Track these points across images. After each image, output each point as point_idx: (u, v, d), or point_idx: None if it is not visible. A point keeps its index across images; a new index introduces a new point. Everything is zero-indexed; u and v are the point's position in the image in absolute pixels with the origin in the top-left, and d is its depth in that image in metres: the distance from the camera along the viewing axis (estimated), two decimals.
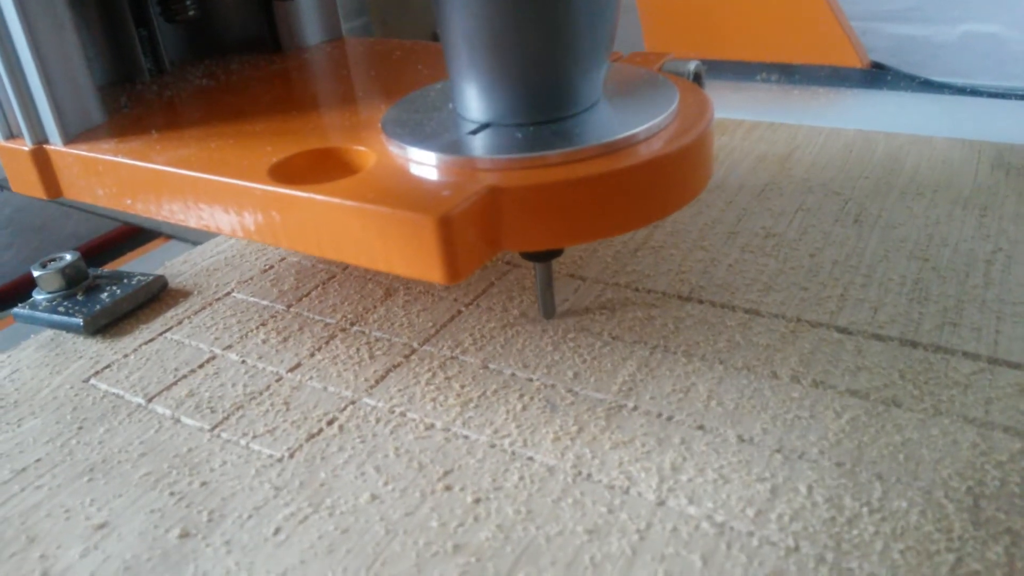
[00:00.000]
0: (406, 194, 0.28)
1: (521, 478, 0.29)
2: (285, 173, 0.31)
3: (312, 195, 0.29)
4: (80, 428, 0.34)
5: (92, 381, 0.37)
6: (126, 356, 0.38)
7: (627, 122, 0.30)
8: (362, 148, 0.32)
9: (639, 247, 0.43)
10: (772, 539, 0.26)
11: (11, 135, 0.38)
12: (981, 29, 0.95)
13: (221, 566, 0.27)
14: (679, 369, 0.33)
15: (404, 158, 0.30)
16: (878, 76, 0.68)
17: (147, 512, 0.29)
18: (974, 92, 0.64)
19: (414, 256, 0.27)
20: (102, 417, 0.34)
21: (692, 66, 0.37)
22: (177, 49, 0.50)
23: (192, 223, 0.33)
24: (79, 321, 0.40)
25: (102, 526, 0.29)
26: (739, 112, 0.61)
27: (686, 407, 0.31)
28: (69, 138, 0.37)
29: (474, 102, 0.31)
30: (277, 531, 0.28)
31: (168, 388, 0.36)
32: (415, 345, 0.37)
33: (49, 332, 0.41)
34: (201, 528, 0.28)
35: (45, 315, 0.41)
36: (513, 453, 0.30)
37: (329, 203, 0.28)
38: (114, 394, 0.36)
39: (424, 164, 0.30)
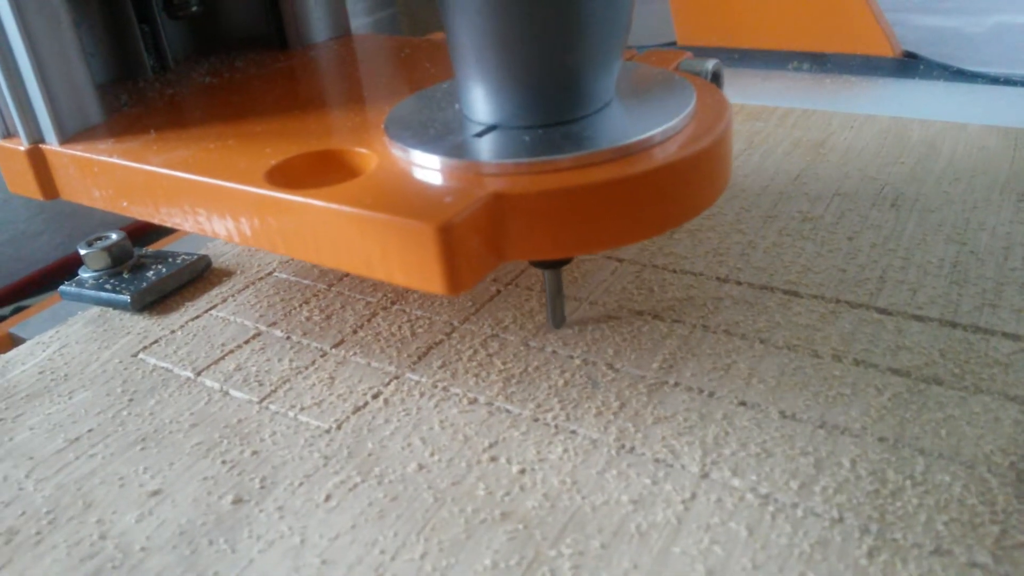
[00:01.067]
0: (406, 200, 0.26)
1: (565, 450, 0.29)
2: (283, 176, 0.30)
3: (308, 200, 0.27)
4: (131, 400, 0.35)
5: (140, 355, 0.38)
6: (173, 332, 0.39)
7: (641, 124, 0.28)
8: (364, 150, 0.31)
9: (675, 230, 0.43)
10: (816, 510, 0.26)
11: (7, 134, 0.37)
12: (1013, 20, 0.94)
13: (275, 530, 0.27)
14: (719, 347, 0.34)
15: (407, 161, 0.29)
16: (910, 65, 0.68)
17: (200, 479, 0.30)
18: (1008, 82, 0.64)
19: (414, 266, 0.26)
20: (152, 390, 0.35)
21: (710, 65, 0.35)
22: (181, 46, 0.49)
23: (189, 227, 0.33)
24: (126, 298, 0.41)
25: (156, 493, 0.30)
26: (771, 101, 0.61)
27: (727, 383, 0.32)
28: (65, 138, 0.36)
29: (480, 103, 0.30)
30: (328, 498, 0.28)
31: (216, 362, 0.37)
32: (455, 323, 0.37)
33: (96, 309, 0.42)
34: (254, 494, 0.29)
35: (92, 292, 0.42)
36: (556, 427, 0.31)
37: (325, 208, 0.27)
38: (163, 368, 0.37)
39: (427, 168, 0.28)
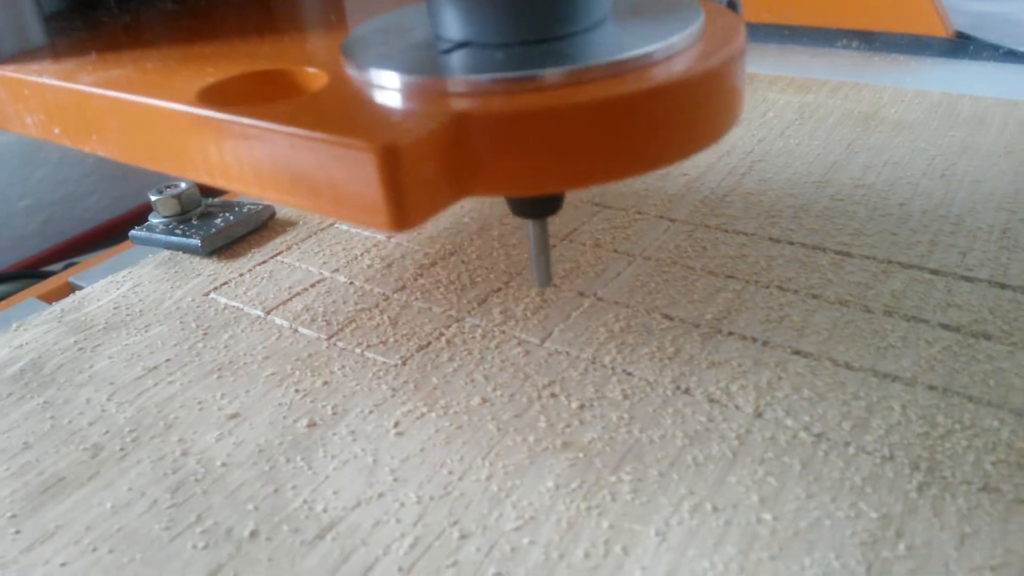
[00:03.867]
0: (349, 120, 0.23)
1: (623, 390, 0.31)
2: (220, 96, 0.27)
3: (239, 118, 0.24)
4: (205, 334, 0.36)
5: (212, 295, 0.39)
6: (242, 275, 0.41)
7: (638, 40, 0.24)
8: (313, 70, 0.27)
9: (727, 193, 0.44)
10: (868, 449, 0.27)
11: None
12: None
13: (348, 451, 0.29)
14: (772, 301, 0.35)
15: (361, 81, 0.25)
16: (960, 45, 0.68)
17: (275, 405, 0.32)
18: None
19: (356, 195, 0.22)
20: (225, 325, 0.37)
21: None
22: None
23: (120, 156, 0.29)
24: (197, 242, 0.42)
25: (234, 416, 0.31)
26: (821, 75, 0.62)
27: (780, 334, 0.33)
28: (0, 58, 0.33)
29: (450, 16, 0.26)
30: (397, 424, 0.30)
31: (284, 303, 0.38)
32: (513, 272, 0.39)
33: (166, 253, 0.44)
34: (327, 420, 0.31)
35: (162, 237, 0.44)
36: (613, 368, 0.32)
37: (259, 128, 0.23)
38: (234, 307, 0.38)
39: (384, 88, 0.24)
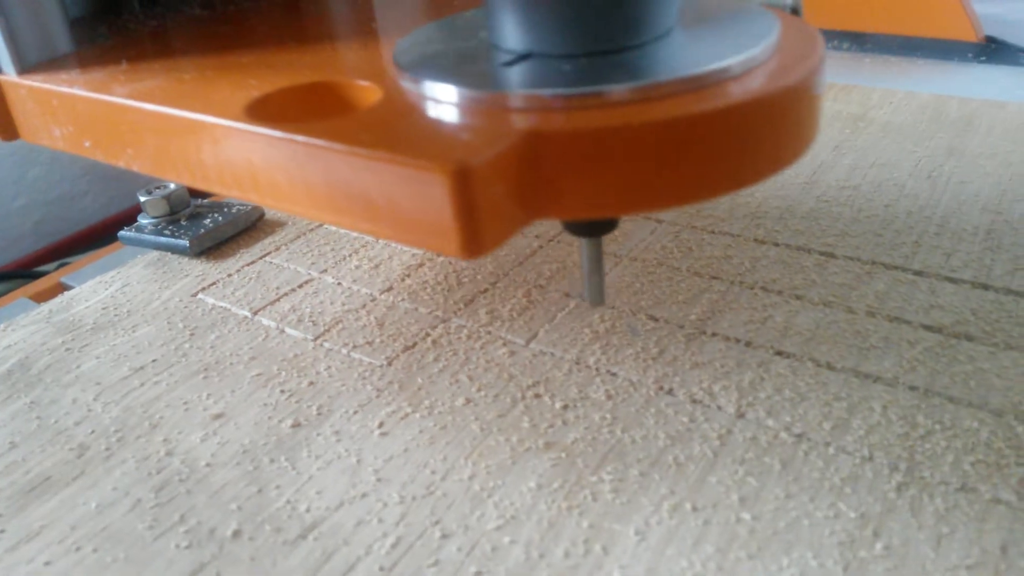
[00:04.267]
0: (413, 138, 0.21)
1: (606, 391, 0.31)
2: (268, 111, 0.25)
3: (293, 136, 0.22)
4: (192, 334, 0.37)
5: (199, 296, 0.40)
6: (230, 275, 0.41)
7: (714, 53, 0.23)
8: (365, 83, 0.25)
9: None
10: (848, 449, 0.27)
11: None
12: None
13: (332, 451, 0.29)
14: (756, 302, 0.35)
15: (417, 95, 0.24)
16: (990, 50, 0.67)
17: (260, 405, 0.32)
18: None
19: (423, 220, 0.21)
20: (212, 326, 0.37)
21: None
22: None
23: (158, 172, 0.28)
24: (185, 242, 0.42)
25: (219, 416, 0.31)
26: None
27: (764, 335, 0.33)
28: (25, 67, 0.31)
29: (511, 25, 0.24)
30: (381, 424, 0.30)
31: (272, 303, 0.38)
32: (500, 274, 0.39)
33: (154, 253, 0.44)
34: (311, 420, 0.31)
35: (151, 237, 0.44)
36: (597, 369, 0.32)
37: (314, 146, 0.22)
38: (221, 307, 0.38)
39: (443, 102, 0.23)
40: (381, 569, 0.25)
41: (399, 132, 0.22)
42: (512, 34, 0.24)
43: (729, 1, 0.28)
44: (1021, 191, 0.42)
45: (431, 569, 0.24)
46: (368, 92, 0.25)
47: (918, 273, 0.36)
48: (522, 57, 0.24)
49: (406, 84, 0.24)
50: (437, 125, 0.22)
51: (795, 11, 0.31)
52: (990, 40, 0.69)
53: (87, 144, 0.30)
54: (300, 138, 0.22)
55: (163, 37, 0.35)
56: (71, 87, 0.29)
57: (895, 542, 0.24)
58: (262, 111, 0.25)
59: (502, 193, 0.21)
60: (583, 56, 0.23)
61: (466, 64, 0.24)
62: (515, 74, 0.23)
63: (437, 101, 0.23)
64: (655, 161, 0.21)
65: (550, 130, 0.21)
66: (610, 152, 0.21)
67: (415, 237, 0.21)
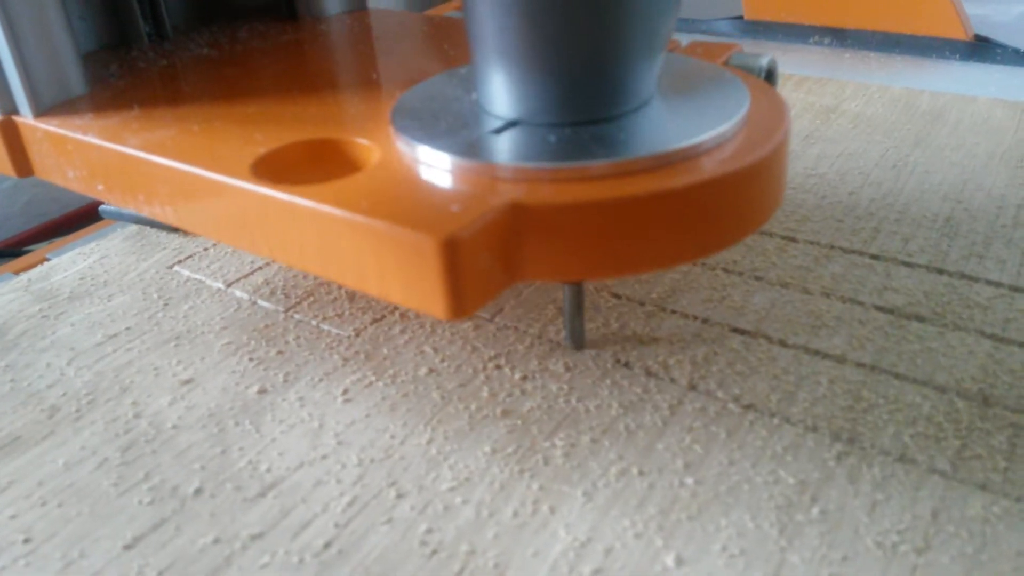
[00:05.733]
0: (407, 205, 0.23)
1: (565, 363, 0.32)
2: (271, 168, 0.27)
3: (296, 199, 0.24)
4: (166, 304, 0.37)
5: (175, 268, 0.40)
6: (206, 249, 0.42)
7: (687, 128, 0.24)
8: (365, 142, 0.27)
9: None
10: (792, 420, 0.28)
11: None
12: None
13: (296, 416, 0.30)
14: (716, 282, 0.36)
15: (411, 158, 0.25)
16: (979, 48, 0.68)
17: (228, 372, 0.33)
18: None
19: (412, 282, 0.22)
20: (186, 296, 0.38)
21: (764, 61, 0.31)
22: (181, 12, 0.45)
23: (169, 220, 0.29)
24: None
25: (188, 381, 0.32)
26: (789, 71, 0.63)
27: (721, 312, 0.34)
28: (41, 110, 0.32)
29: (500, 94, 0.26)
30: (345, 392, 0.31)
31: (246, 276, 0.39)
32: None
33: (134, 227, 0.45)
34: (278, 387, 0.32)
35: (131, 211, 0.44)
36: (559, 343, 0.33)
37: (314, 210, 0.24)
38: (196, 279, 0.39)
39: (434, 167, 0.25)
40: (336, 526, 0.25)
41: (394, 198, 0.23)
42: (501, 103, 0.26)
43: (705, 68, 0.30)
44: (982, 181, 0.43)
45: (384, 527, 0.25)
46: (367, 151, 0.27)
47: (875, 257, 0.37)
48: (510, 124, 0.26)
49: (402, 146, 0.26)
50: (429, 192, 0.24)
51: (770, 74, 0.31)
52: (980, 39, 0.70)
53: (100, 188, 0.31)
54: (301, 201, 0.24)
55: (172, 79, 0.36)
56: (85, 134, 0.30)
57: (831, 507, 0.25)
58: (266, 169, 0.26)
59: (486, 259, 0.22)
60: (567, 126, 0.25)
61: (458, 129, 0.26)
62: (502, 142, 0.25)
63: (429, 166, 0.25)
64: (628, 232, 0.23)
65: (533, 202, 0.22)
66: (587, 223, 0.23)
67: (401, 296, 0.23)
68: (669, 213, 0.23)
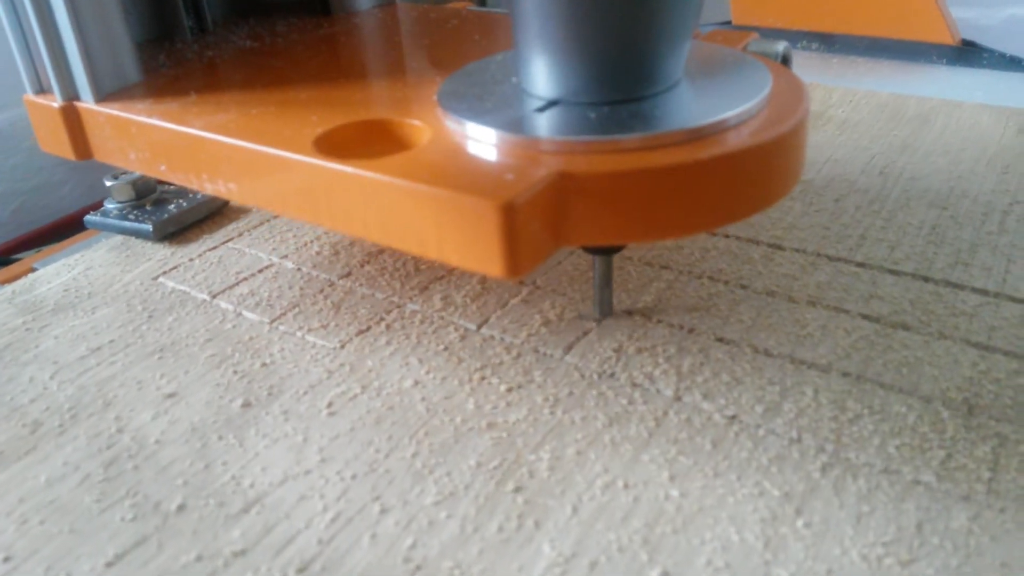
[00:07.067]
0: (465, 176, 0.25)
1: (551, 374, 0.32)
2: (331, 145, 0.28)
3: (361, 171, 0.26)
4: (150, 316, 0.37)
5: (160, 279, 0.40)
6: (191, 260, 0.42)
7: (714, 106, 0.26)
8: (416, 122, 0.29)
9: None
10: (777, 431, 0.28)
11: (41, 90, 0.35)
12: None
13: (280, 430, 0.30)
14: (703, 291, 0.36)
15: (462, 135, 0.27)
16: (966, 53, 0.68)
17: (212, 386, 0.32)
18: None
19: (471, 245, 0.24)
20: (170, 308, 0.38)
21: (781, 47, 0.33)
22: (219, 7, 0.47)
23: (229, 195, 0.31)
24: (148, 227, 0.43)
25: (171, 395, 0.32)
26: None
27: (707, 321, 0.34)
28: (102, 96, 0.34)
29: (542, 76, 0.28)
30: (330, 405, 0.31)
31: (231, 287, 0.39)
32: None
33: (119, 237, 0.45)
34: (262, 400, 0.31)
35: (116, 222, 0.44)
36: (545, 354, 0.33)
37: (379, 181, 0.25)
38: (181, 290, 0.39)
39: (484, 143, 0.27)
40: (319, 542, 0.25)
41: (452, 169, 0.25)
42: (543, 84, 0.28)
43: (728, 53, 0.32)
44: (968, 187, 0.43)
45: (368, 542, 0.25)
46: (418, 131, 0.29)
47: (861, 265, 0.37)
48: (551, 104, 0.28)
49: (451, 125, 0.28)
50: (483, 164, 0.26)
51: (785, 60, 0.33)
52: (967, 43, 0.70)
53: (163, 168, 0.33)
54: (366, 173, 0.26)
55: (221, 69, 0.38)
56: (150, 117, 0.32)
57: (816, 519, 0.25)
58: (327, 146, 0.28)
59: (537, 224, 0.24)
60: (605, 104, 0.27)
61: (503, 108, 0.28)
62: (546, 119, 0.27)
63: (479, 142, 0.27)
64: (663, 199, 0.25)
65: (578, 171, 0.24)
66: (625, 191, 0.25)
67: (460, 259, 0.25)
68: (699, 182, 0.25)
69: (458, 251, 0.25)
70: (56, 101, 0.35)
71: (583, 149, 0.25)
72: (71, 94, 0.35)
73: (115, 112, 0.33)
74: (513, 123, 0.27)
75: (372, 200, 0.26)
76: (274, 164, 0.28)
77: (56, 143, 0.36)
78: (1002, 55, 0.68)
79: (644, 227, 0.25)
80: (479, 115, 0.27)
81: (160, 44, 0.42)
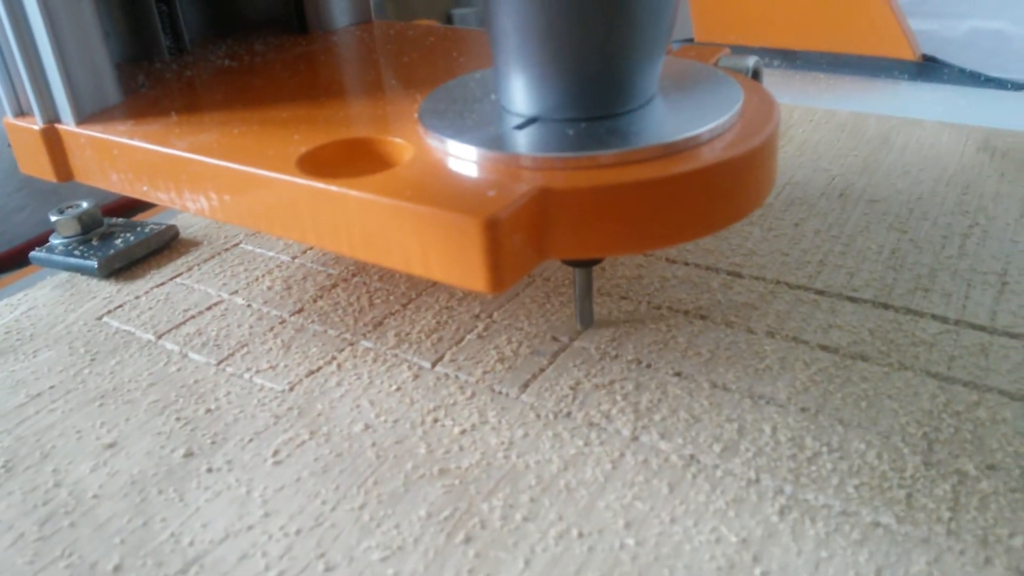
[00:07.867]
0: (448, 193, 0.25)
1: (506, 415, 0.31)
2: (315, 164, 0.29)
3: (345, 190, 0.26)
4: (93, 360, 0.36)
5: (105, 319, 0.39)
6: (138, 298, 0.40)
7: (688, 121, 0.27)
8: (398, 140, 0.29)
9: None
10: (735, 472, 0.27)
11: (21, 112, 0.35)
12: (987, 25, 0.96)
13: (223, 482, 0.29)
14: (661, 323, 0.35)
15: (443, 152, 0.28)
16: (927, 68, 0.69)
17: (154, 434, 0.31)
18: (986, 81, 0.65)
19: (455, 261, 0.25)
20: (114, 351, 0.36)
21: (751, 62, 0.34)
22: (198, 26, 0.47)
23: (213, 215, 0.31)
24: (94, 264, 0.42)
25: (111, 445, 0.31)
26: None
27: (665, 356, 0.33)
28: (82, 117, 0.34)
29: (520, 94, 0.28)
30: (276, 453, 0.30)
31: (177, 327, 0.38)
32: (413, 295, 0.39)
33: (64, 274, 0.43)
34: (205, 449, 0.30)
35: (61, 258, 0.43)
36: (500, 392, 0.32)
37: (364, 199, 0.26)
38: (126, 331, 0.38)
39: (465, 160, 0.27)
40: None
41: (435, 187, 0.26)
42: (522, 101, 0.29)
43: (700, 68, 0.33)
44: (928, 209, 0.43)
45: None
46: (400, 148, 0.29)
47: (820, 292, 0.36)
48: (530, 121, 0.28)
49: (433, 143, 0.28)
50: (465, 181, 0.26)
51: (756, 74, 0.33)
52: (927, 59, 0.71)
53: (145, 189, 0.33)
54: (351, 192, 0.26)
55: (201, 88, 0.38)
56: (131, 138, 0.32)
57: (774, 567, 0.24)
58: (310, 164, 0.29)
59: (520, 239, 0.25)
60: (582, 121, 0.28)
61: (483, 125, 0.28)
62: (526, 136, 0.27)
63: (461, 159, 0.27)
64: (641, 213, 0.26)
65: (558, 187, 0.25)
66: (604, 205, 0.25)
67: (444, 274, 0.25)
68: (676, 195, 0.26)
69: (442, 267, 0.25)
70: (36, 124, 0.35)
71: (562, 165, 0.26)
72: (51, 116, 0.35)
73: (96, 134, 0.33)
74: (494, 140, 0.27)
75: (357, 218, 0.26)
76: (258, 184, 0.29)
77: (36, 165, 0.36)
78: (962, 70, 0.68)
79: (623, 240, 0.26)
80: (460, 133, 0.28)
81: (138, 64, 0.43)
